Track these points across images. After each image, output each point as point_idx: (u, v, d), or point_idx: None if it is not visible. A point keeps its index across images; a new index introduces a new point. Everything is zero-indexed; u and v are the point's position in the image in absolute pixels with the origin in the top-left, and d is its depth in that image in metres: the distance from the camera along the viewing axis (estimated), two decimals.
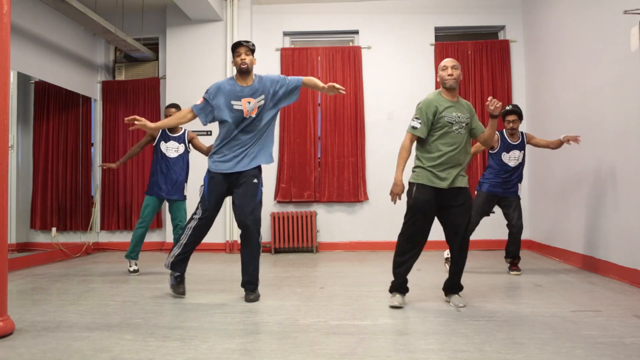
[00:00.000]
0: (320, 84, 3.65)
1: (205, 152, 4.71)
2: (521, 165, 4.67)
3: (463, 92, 6.52)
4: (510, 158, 4.62)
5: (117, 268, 5.26)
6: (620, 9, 3.95)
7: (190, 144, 4.90)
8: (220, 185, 3.59)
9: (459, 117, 3.30)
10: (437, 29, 6.76)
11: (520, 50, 6.64)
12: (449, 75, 3.31)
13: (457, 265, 3.40)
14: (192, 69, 6.57)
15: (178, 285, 3.76)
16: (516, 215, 4.60)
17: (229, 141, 3.58)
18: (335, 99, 6.60)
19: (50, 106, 6.52)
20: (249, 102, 3.56)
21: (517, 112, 4.61)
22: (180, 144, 4.83)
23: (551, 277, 4.38)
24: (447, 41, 6.74)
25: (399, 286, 3.41)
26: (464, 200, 3.31)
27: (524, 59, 6.61)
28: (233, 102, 3.56)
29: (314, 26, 6.84)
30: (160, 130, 4.77)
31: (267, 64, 6.74)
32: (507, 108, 4.66)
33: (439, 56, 6.59)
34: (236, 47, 3.59)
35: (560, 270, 4.78)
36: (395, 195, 3.31)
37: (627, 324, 2.85)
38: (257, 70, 6.64)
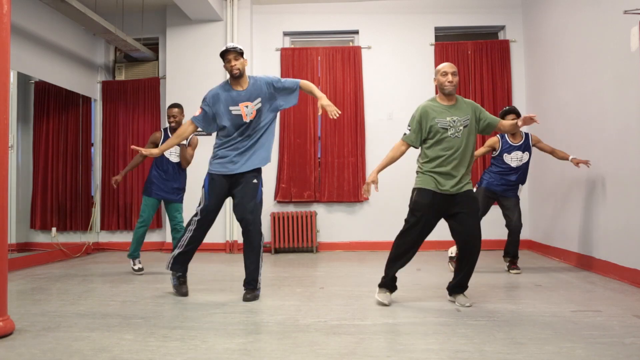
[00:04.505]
0: (317, 92, 3.60)
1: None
2: (525, 165, 4.68)
3: (463, 93, 6.52)
4: (513, 159, 4.64)
5: (117, 268, 5.26)
6: (620, 9, 3.95)
7: (187, 141, 4.79)
8: (220, 187, 3.61)
9: (454, 120, 3.28)
10: (437, 29, 6.76)
11: (520, 50, 6.64)
12: (448, 82, 3.30)
13: (466, 266, 3.33)
14: (192, 69, 6.57)
15: (180, 286, 3.78)
16: (516, 215, 4.62)
17: (228, 144, 3.61)
18: (335, 98, 6.60)
19: (50, 106, 6.52)
20: (247, 107, 3.57)
21: (516, 112, 4.62)
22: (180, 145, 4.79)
23: (551, 277, 4.38)
24: (447, 41, 6.74)
25: (390, 283, 3.42)
26: (470, 206, 3.28)
27: (524, 59, 6.61)
28: (231, 108, 3.58)
29: (314, 26, 6.84)
30: (162, 137, 4.77)
31: (267, 64, 6.75)
32: (505, 108, 4.70)
33: (439, 56, 6.59)
34: (224, 54, 3.60)
35: (560, 270, 4.78)
36: (365, 186, 3.42)
37: (627, 324, 2.85)
38: (256, 71, 6.74)
